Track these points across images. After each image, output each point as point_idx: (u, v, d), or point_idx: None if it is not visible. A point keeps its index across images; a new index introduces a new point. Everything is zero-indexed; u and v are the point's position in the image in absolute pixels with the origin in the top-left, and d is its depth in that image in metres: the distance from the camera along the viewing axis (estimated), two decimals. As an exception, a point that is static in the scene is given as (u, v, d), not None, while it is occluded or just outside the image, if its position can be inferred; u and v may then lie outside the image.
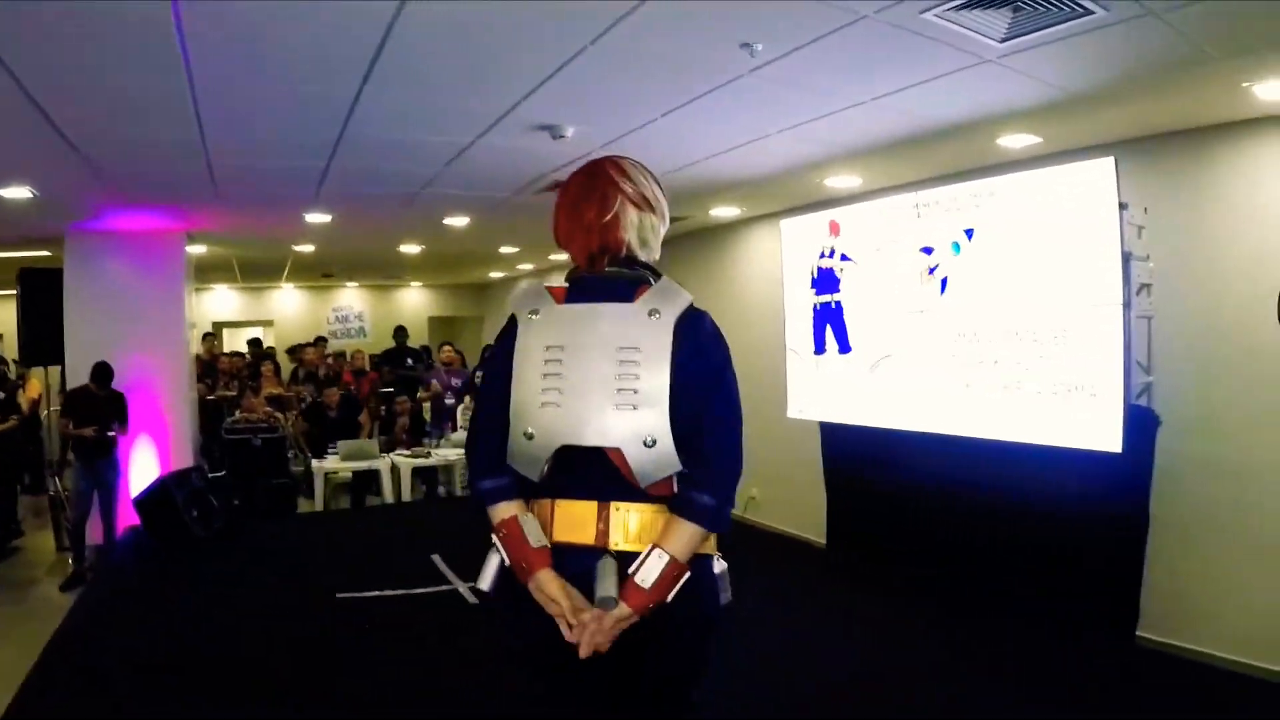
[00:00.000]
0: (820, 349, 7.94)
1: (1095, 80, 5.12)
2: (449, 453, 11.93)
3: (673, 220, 9.05)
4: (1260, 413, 5.67)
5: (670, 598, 2.47)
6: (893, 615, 6.78)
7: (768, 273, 9.26)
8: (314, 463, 11.40)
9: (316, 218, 9.51)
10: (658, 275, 2.70)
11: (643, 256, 2.74)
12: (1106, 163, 5.70)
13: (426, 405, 13.51)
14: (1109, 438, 5.65)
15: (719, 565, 2.66)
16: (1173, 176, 6.14)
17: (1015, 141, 6.41)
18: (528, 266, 16.81)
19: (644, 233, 2.75)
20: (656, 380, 2.50)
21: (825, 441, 8.43)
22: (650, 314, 2.55)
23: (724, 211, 9.80)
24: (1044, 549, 6.34)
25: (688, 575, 2.47)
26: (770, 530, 9.82)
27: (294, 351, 16.69)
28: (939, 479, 7.08)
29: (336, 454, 11.28)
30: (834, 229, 7.76)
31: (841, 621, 6.73)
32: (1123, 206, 5.70)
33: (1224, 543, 5.82)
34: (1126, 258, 5.74)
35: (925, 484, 7.24)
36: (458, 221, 10.04)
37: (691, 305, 2.62)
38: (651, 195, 2.77)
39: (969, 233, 6.56)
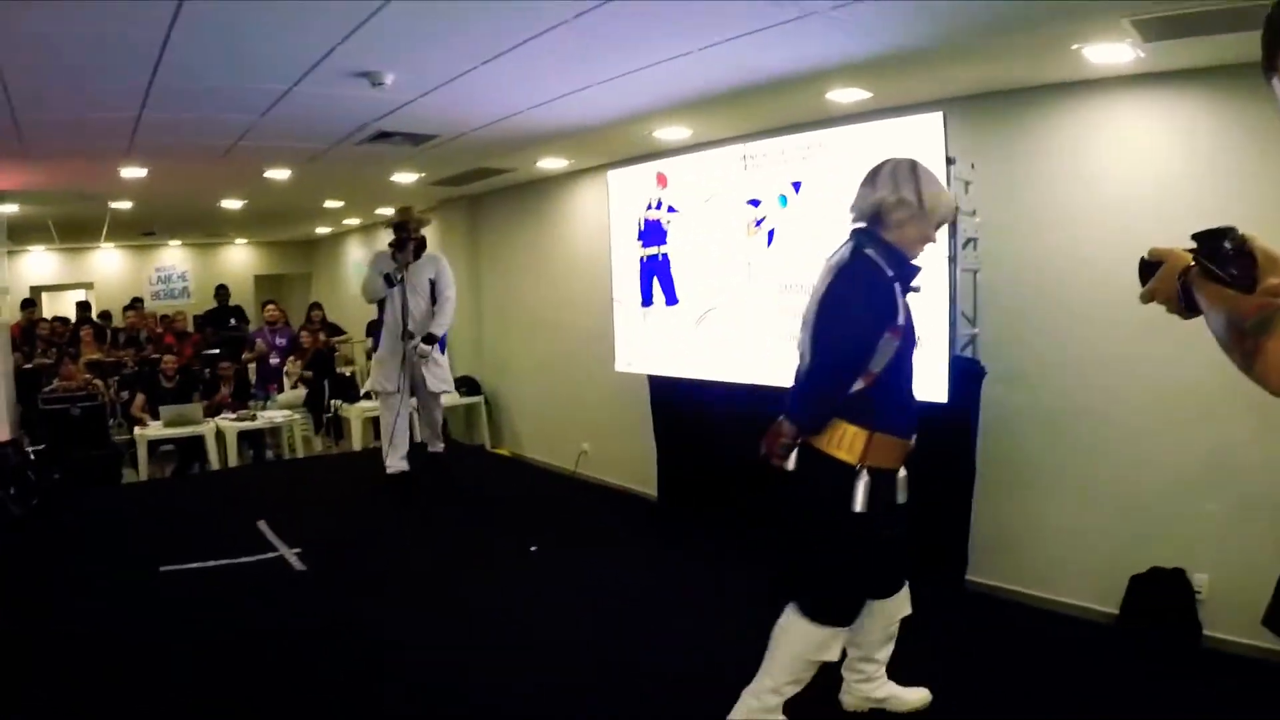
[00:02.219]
0: (647, 301, 7.72)
1: (925, 37, 4.97)
2: (275, 414, 11.30)
3: (497, 172, 8.81)
4: (1078, 363, 5.69)
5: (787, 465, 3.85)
6: (725, 566, 6.65)
7: (595, 225, 8.97)
8: (136, 430, 10.55)
9: (132, 172, 8.71)
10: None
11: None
12: (935, 118, 5.56)
13: (251, 367, 12.89)
14: (935, 388, 5.56)
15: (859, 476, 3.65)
16: (1002, 134, 6.08)
17: (845, 96, 6.22)
18: (354, 221, 16.19)
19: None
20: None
21: (654, 394, 8.21)
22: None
23: (551, 163, 9.43)
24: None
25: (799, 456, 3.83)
26: (603, 484, 9.59)
27: (105, 317, 15.84)
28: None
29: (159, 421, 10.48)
30: (661, 181, 7.51)
31: (674, 572, 6.62)
32: (950, 161, 5.58)
33: (1045, 488, 5.86)
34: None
35: (754, 436, 7.07)
36: (279, 174, 9.37)
37: (851, 251, 3.71)
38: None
39: (796, 185, 6.36)
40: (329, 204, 13.18)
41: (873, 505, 3.61)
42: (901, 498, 3.85)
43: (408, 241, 8.48)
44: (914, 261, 3.74)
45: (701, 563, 6.87)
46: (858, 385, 3.63)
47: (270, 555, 6.93)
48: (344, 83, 5.73)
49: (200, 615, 5.79)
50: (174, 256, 18.73)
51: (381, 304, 8.81)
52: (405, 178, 9.95)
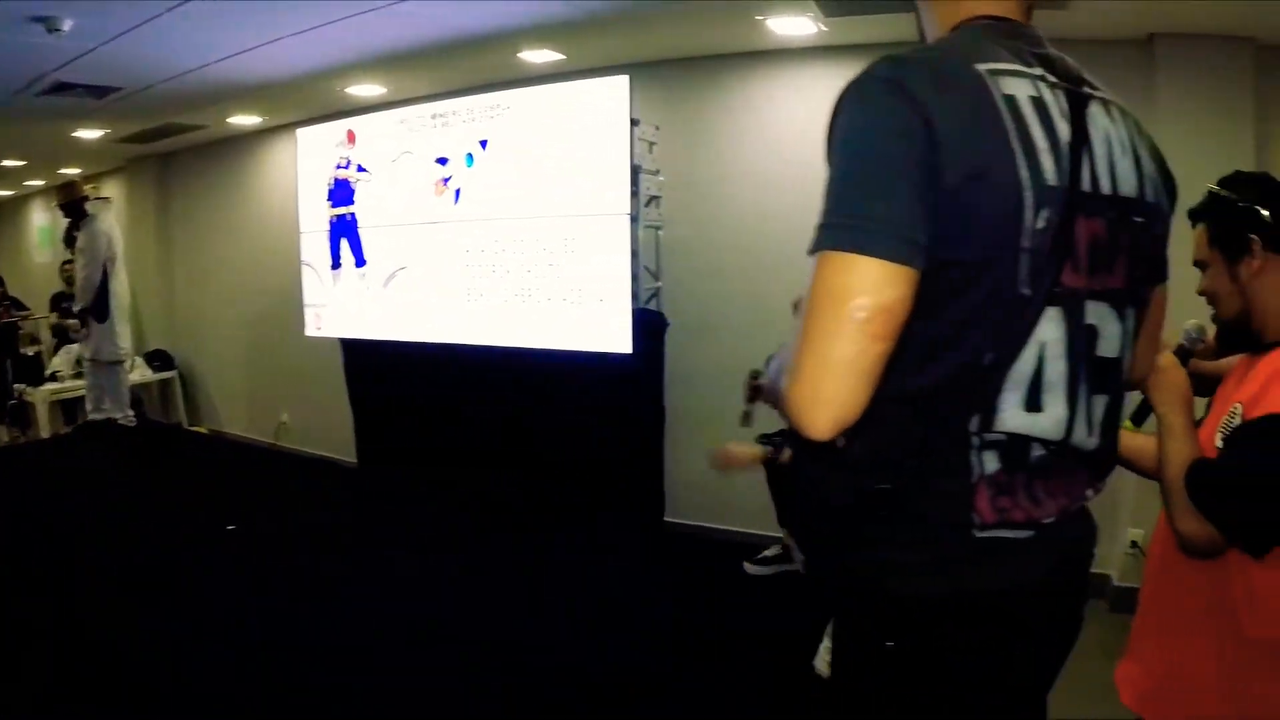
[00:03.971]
0: (336, 264, 7.47)
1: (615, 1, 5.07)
2: None
3: (188, 129, 8.48)
4: (757, 314, 5.94)
5: None
6: (429, 527, 6.67)
7: (288, 186, 8.54)
8: None
9: None
10: None
11: None
12: (621, 80, 5.64)
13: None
14: (620, 340, 5.73)
15: None
16: (689, 98, 6.35)
17: (538, 56, 6.26)
18: (37, 183, 14.83)
19: None
20: None
21: (347, 359, 7.98)
22: None
23: (244, 120, 8.99)
24: (572, 448, 6.40)
25: None
26: (303, 454, 9.29)
27: None
28: (463, 389, 6.94)
29: None
30: (350, 138, 7.27)
31: (377, 537, 6.56)
32: (635, 123, 5.70)
33: (731, 432, 6.17)
34: (636, 171, 5.77)
35: (450, 395, 7.07)
36: (-52, 131, 8.36)
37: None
38: None
39: (483, 144, 6.32)
40: (7, 163, 12.32)
41: None
42: None
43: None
44: None
45: (401, 522, 6.86)
46: None
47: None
48: (17, 28, 5.21)
49: None
50: None
51: None
52: (89, 134, 9.18)
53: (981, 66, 1.41)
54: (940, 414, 1.44)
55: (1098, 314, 1.53)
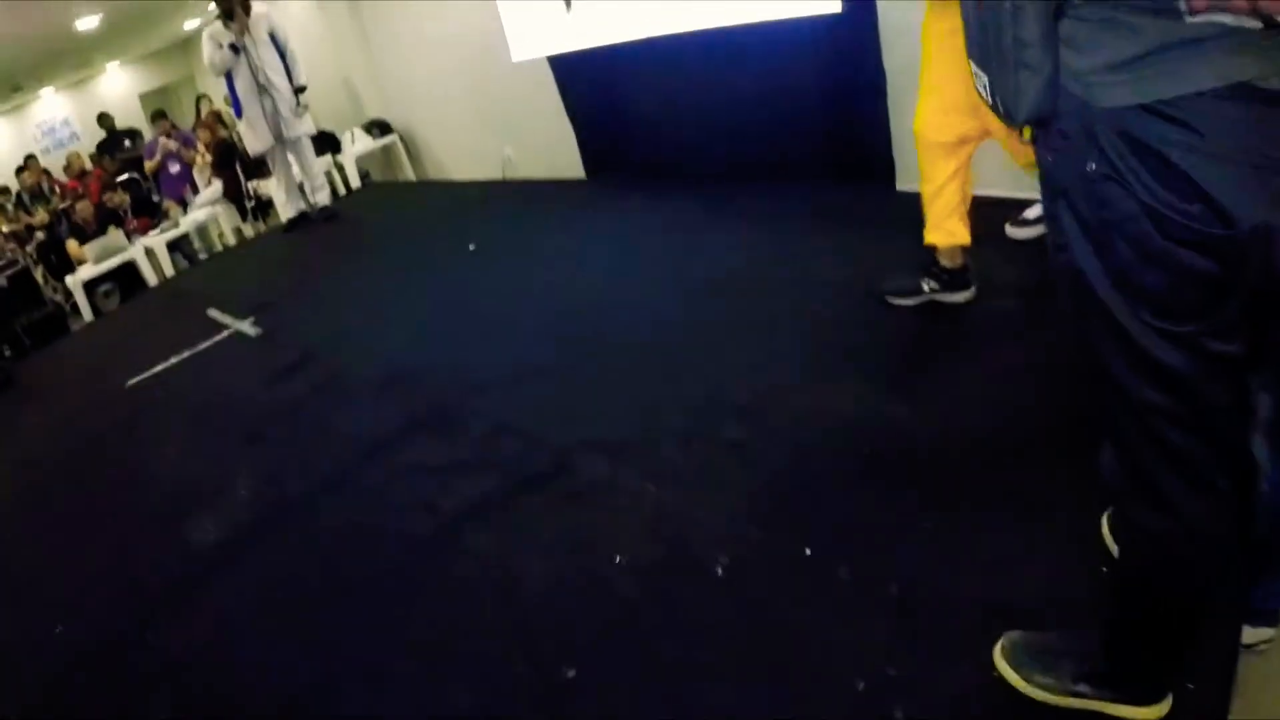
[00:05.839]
0: None
1: None
2: (197, 214, 11.34)
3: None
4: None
5: None
6: (665, 219, 6.70)
7: None
8: (68, 278, 10.41)
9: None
10: None
11: None
12: None
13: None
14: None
15: None
16: None
17: None
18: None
19: None
20: None
21: (558, 75, 7.94)
22: None
23: None
24: (793, 121, 6.16)
25: None
26: (533, 181, 9.33)
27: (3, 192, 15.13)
28: (677, 79, 6.82)
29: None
30: None
31: (614, 235, 6.77)
32: None
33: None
34: None
35: (665, 89, 7.01)
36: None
37: None
38: None
39: None
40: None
41: None
42: None
43: (234, 7, 8.92)
44: None
45: (638, 220, 6.94)
46: None
47: (225, 334, 7.04)
48: None
49: (173, 401, 6.15)
50: (52, 107, 18.06)
51: (229, 74, 9.21)
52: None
53: None
54: None
55: None
